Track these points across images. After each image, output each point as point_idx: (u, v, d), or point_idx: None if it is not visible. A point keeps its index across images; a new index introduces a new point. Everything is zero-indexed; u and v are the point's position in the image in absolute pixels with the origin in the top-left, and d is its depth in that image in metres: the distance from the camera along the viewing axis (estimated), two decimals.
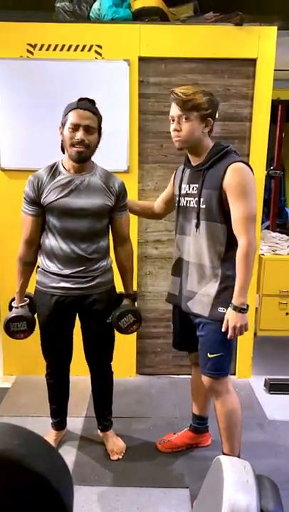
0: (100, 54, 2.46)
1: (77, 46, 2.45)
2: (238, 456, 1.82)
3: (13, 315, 1.90)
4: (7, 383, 2.75)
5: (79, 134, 1.73)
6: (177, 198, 1.85)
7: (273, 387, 2.67)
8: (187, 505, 1.82)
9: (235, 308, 1.64)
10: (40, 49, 2.45)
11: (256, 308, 2.86)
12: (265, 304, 3.09)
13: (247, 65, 2.51)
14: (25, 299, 1.98)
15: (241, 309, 1.65)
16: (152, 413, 2.45)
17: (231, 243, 1.70)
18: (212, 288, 1.72)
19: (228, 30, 2.45)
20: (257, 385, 2.75)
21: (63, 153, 1.83)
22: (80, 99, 1.76)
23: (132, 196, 2.54)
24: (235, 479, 0.75)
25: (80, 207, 1.79)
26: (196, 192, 1.73)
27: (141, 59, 2.47)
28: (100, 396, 2.13)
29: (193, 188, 1.76)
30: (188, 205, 1.78)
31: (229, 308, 1.66)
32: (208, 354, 1.74)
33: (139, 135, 2.56)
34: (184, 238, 1.81)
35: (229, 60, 2.50)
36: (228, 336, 1.67)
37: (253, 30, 2.44)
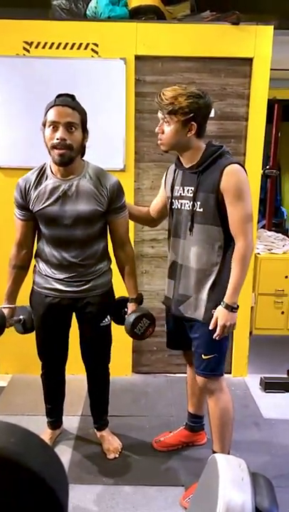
0: (96, 52, 2.45)
1: (74, 44, 2.44)
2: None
3: None
4: (3, 382, 2.74)
5: (59, 133, 1.62)
6: (170, 200, 1.82)
7: (269, 386, 2.68)
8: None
9: (227, 306, 1.64)
10: (37, 47, 2.44)
11: (252, 307, 2.87)
12: (261, 303, 3.10)
13: (243, 64, 2.51)
14: (11, 305, 1.89)
15: (233, 308, 1.65)
16: (148, 412, 2.45)
17: (227, 246, 1.70)
18: (205, 292, 1.72)
19: (225, 29, 2.45)
20: (252, 384, 2.76)
21: (50, 154, 1.71)
22: (58, 96, 1.66)
23: (128, 195, 2.53)
24: (231, 477, 0.75)
25: (67, 215, 1.71)
26: (191, 195, 1.71)
27: (137, 57, 2.47)
28: (96, 396, 2.12)
29: (188, 191, 1.73)
30: (182, 207, 1.76)
31: (220, 307, 1.66)
32: (203, 355, 1.75)
33: (135, 134, 2.55)
34: (178, 241, 1.79)
35: (226, 59, 2.50)
36: (216, 335, 1.66)
37: (249, 29, 2.44)
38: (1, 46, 2.44)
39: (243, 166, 1.69)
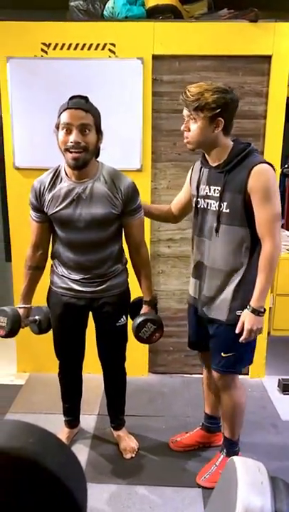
0: (113, 52, 2.46)
1: (91, 45, 2.45)
2: (238, 440, 1.94)
3: (0, 308, 1.84)
4: (21, 380, 2.77)
5: (73, 136, 1.59)
6: (195, 199, 1.79)
7: (287, 388, 2.64)
8: (200, 504, 1.81)
9: (253, 310, 1.63)
10: (55, 48, 2.46)
11: (270, 308, 2.84)
12: (279, 304, 3.05)
13: (262, 62, 2.48)
14: (27, 306, 1.91)
15: (259, 312, 1.63)
16: (165, 412, 2.44)
17: (253, 247, 1.67)
18: (230, 293, 1.70)
19: (243, 27, 2.42)
20: (270, 386, 2.72)
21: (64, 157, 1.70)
22: (72, 97, 1.63)
23: (145, 195, 2.54)
24: (250, 481, 0.74)
25: (81, 218, 1.70)
26: (217, 195, 1.67)
27: (154, 57, 2.46)
28: (113, 396, 2.13)
29: (214, 191, 1.69)
30: (208, 207, 1.72)
31: (246, 310, 1.64)
32: (223, 353, 1.76)
33: (152, 133, 2.55)
34: (204, 241, 1.76)
35: (244, 57, 2.48)
36: (242, 339, 1.65)
37: (267, 26, 2.41)
38: (19, 48, 2.47)
39: (272, 165, 1.64)
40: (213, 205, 1.69)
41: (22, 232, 2.64)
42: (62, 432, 2.16)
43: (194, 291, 1.86)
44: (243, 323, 1.64)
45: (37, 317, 1.93)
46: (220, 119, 1.60)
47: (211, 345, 1.82)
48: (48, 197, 1.74)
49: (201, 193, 1.76)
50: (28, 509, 0.48)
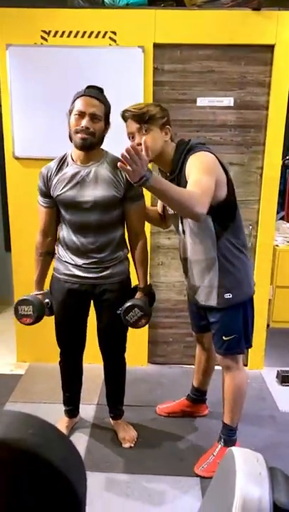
0: (114, 40, 2.43)
1: (92, 33, 2.42)
2: (236, 428, 1.98)
3: (22, 298, 1.91)
4: (20, 370, 2.79)
5: (84, 122, 1.70)
6: (165, 206, 1.94)
7: (286, 379, 2.66)
8: (197, 493, 1.83)
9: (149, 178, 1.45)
10: (55, 35, 2.43)
11: (269, 299, 2.84)
12: (279, 296, 3.06)
13: (264, 51, 2.45)
14: (43, 292, 1.98)
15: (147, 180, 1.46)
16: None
17: (220, 231, 1.76)
18: (214, 279, 1.80)
19: (246, 15, 2.39)
20: (269, 377, 2.74)
21: (72, 142, 1.79)
22: (88, 87, 1.74)
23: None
24: (248, 471, 0.74)
25: (85, 200, 1.77)
26: None
27: (156, 45, 2.43)
28: (112, 386, 2.14)
29: None
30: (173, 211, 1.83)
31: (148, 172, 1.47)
32: (224, 337, 1.85)
33: None
34: (179, 238, 1.91)
35: (246, 46, 2.44)
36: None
37: (271, 14, 2.37)
38: (18, 35, 2.43)
39: (210, 151, 1.69)
40: None
41: (21, 221, 2.63)
42: (61, 422, 2.17)
43: (187, 285, 1.99)
44: None
45: (47, 300, 1.97)
46: (167, 127, 1.75)
47: (212, 330, 1.91)
48: (54, 180, 1.81)
49: None
50: (28, 501, 0.48)
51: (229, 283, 1.79)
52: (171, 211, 1.87)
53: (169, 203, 1.57)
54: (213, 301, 1.82)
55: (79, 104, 1.71)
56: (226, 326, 1.83)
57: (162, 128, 1.73)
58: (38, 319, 1.91)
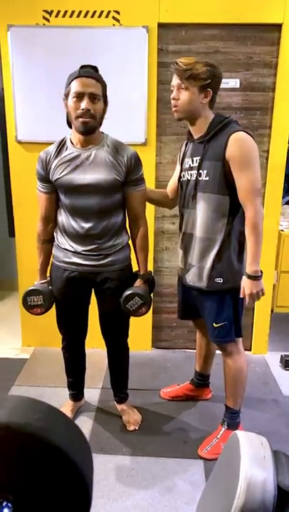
0: (118, 20, 2.37)
1: (95, 12, 2.36)
2: (239, 410, 2.00)
3: (30, 288, 1.90)
4: (25, 354, 2.81)
5: (84, 103, 1.64)
6: (180, 173, 1.86)
7: None
8: (201, 476, 1.85)
9: (249, 276, 1.68)
10: (57, 16, 2.38)
11: (274, 284, 2.83)
12: (283, 281, 3.05)
13: (272, 31, 2.39)
14: (46, 280, 1.97)
15: (255, 277, 1.68)
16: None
17: (233, 215, 1.73)
18: (210, 260, 1.77)
19: None
20: (273, 361, 2.75)
21: (70, 127, 1.77)
22: (82, 67, 1.68)
23: (150, 169, 2.50)
24: (252, 454, 0.75)
25: (85, 183, 1.73)
26: (197, 164, 1.73)
27: (160, 25, 2.38)
28: (116, 370, 2.15)
29: (196, 161, 1.75)
30: (190, 178, 1.78)
31: (244, 277, 1.70)
32: (214, 324, 1.83)
33: (157, 106, 2.49)
34: (186, 211, 1.84)
35: (253, 26, 2.38)
36: (247, 303, 1.73)
37: None
38: (20, 16, 2.38)
39: (251, 135, 1.68)
40: (194, 175, 1.76)
41: (25, 206, 2.62)
42: (66, 405, 2.20)
43: (181, 262, 1.93)
44: (244, 290, 1.70)
45: (50, 287, 1.96)
46: (209, 89, 1.68)
47: (204, 317, 1.91)
48: (53, 164, 1.77)
49: (185, 166, 1.82)
50: (35, 484, 0.48)
51: (223, 267, 1.76)
52: (185, 178, 1.82)
53: (259, 242, 1.68)
54: (202, 283, 1.80)
55: (76, 86, 1.64)
56: (217, 313, 1.81)
57: (202, 89, 1.67)
58: (48, 309, 1.91)
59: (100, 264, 1.84)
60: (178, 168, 1.95)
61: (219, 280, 1.76)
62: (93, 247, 1.82)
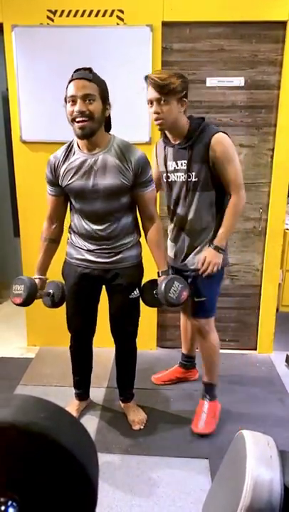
0: (122, 19, 2.37)
1: (99, 11, 2.36)
2: (216, 383, 2.17)
3: (18, 277, 1.90)
4: (31, 354, 2.82)
5: (77, 106, 1.64)
6: (165, 175, 2.00)
7: None
8: (207, 475, 1.85)
9: (215, 247, 1.90)
10: (61, 15, 2.38)
11: (279, 284, 2.82)
12: None
13: (276, 29, 2.37)
14: (42, 277, 1.96)
15: (220, 249, 1.91)
16: (172, 385, 2.47)
17: (219, 206, 1.94)
18: (204, 244, 1.97)
19: None
20: (278, 361, 2.73)
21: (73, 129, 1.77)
22: (76, 70, 1.68)
23: (153, 168, 2.49)
24: (259, 454, 0.74)
25: (93, 189, 1.75)
26: (184, 167, 1.89)
27: (164, 24, 2.37)
28: (123, 370, 2.16)
29: (181, 164, 1.91)
30: (178, 179, 1.95)
31: (209, 247, 1.92)
32: (195, 298, 2.00)
33: None
34: (179, 209, 2.00)
35: (257, 23, 2.37)
36: (202, 270, 1.91)
37: None
38: (24, 16, 2.39)
39: (227, 133, 1.86)
40: (182, 177, 1.92)
41: (30, 206, 2.62)
42: (72, 404, 2.20)
43: (173, 252, 2.10)
44: (205, 258, 1.90)
45: (51, 291, 1.97)
46: (185, 100, 1.83)
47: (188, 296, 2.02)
48: (62, 170, 1.79)
49: (170, 168, 1.97)
50: (41, 483, 0.48)
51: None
52: (172, 179, 1.98)
53: (234, 226, 1.95)
54: (190, 265, 1.99)
55: (70, 90, 1.65)
56: (199, 289, 1.99)
57: (180, 100, 1.81)
58: (27, 300, 1.85)
59: (111, 261, 1.87)
60: (155, 166, 2.08)
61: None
62: (104, 246, 1.85)
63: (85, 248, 1.87)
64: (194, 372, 2.52)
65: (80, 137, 1.69)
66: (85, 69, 1.67)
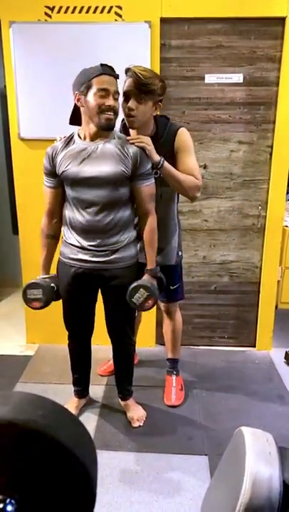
0: (120, 16, 2.36)
1: (97, 8, 2.35)
2: (178, 359, 2.42)
3: (31, 282, 1.90)
4: (30, 351, 2.82)
5: (110, 101, 1.68)
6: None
7: None
8: (206, 472, 1.85)
9: (157, 165, 1.82)
10: (59, 11, 2.37)
11: (278, 280, 2.82)
12: (288, 277, 3.03)
13: (275, 25, 2.36)
14: (50, 275, 1.98)
15: (157, 164, 1.82)
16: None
17: (176, 198, 2.05)
18: (175, 240, 2.08)
19: None
20: (277, 358, 2.74)
21: (73, 124, 1.79)
22: (103, 65, 1.70)
23: None
24: (258, 451, 0.74)
25: (92, 176, 1.73)
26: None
27: (163, 20, 2.36)
28: (121, 368, 2.15)
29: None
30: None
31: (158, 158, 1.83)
32: (171, 287, 2.13)
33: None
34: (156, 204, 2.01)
35: (256, 20, 2.36)
36: (130, 138, 1.83)
37: None
38: (22, 12, 2.37)
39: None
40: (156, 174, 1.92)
41: (28, 203, 2.62)
42: (71, 402, 2.20)
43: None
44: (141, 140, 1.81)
45: (52, 284, 1.95)
46: (160, 103, 1.86)
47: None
48: (60, 157, 1.79)
49: None
50: (40, 481, 0.48)
51: (180, 244, 2.14)
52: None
53: (176, 185, 1.89)
54: (172, 261, 2.10)
55: (101, 82, 1.67)
56: (173, 278, 2.13)
57: (155, 103, 1.83)
58: (47, 303, 1.90)
59: (105, 261, 1.84)
60: None
61: (180, 253, 2.15)
62: (99, 241, 1.81)
63: (79, 245, 1.83)
64: (135, 357, 2.55)
65: (104, 128, 1.74)
66: (109, 66, 1.72)
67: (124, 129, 1.96)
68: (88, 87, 1.68)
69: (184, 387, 2.39)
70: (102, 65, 1.69)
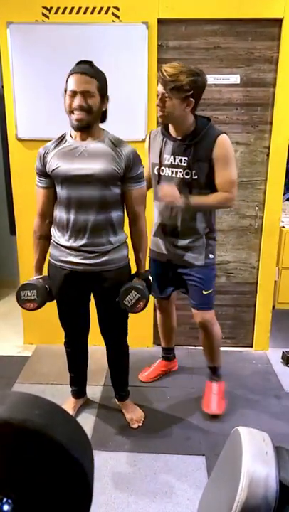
0: (117, 16, 2.36)
1: (94, 8, 2.35)
2: (220, 366, 2.29)
3: (24, 283, 1.88)
4: (27, 352, 2.81)
5: (76, 101, 1.66)
6: (158, 167, 1.99)
7: None
8: (203, 472, 1.86)
9: (187, 202, 1.88)
10: (56, 12, 2.37)
11: (275, 281, 2.83)
12: (285, 278, 3.04)
13: (272, 26, 2.37)
14: (42, 276, 1.96)
15: (187, 204, 1.89)
16: (169, 383, 2.48)
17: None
18: (202, 242, 2.04)
19: None
20: (274, 358, 2.75)
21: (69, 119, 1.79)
22: (78, 63, 1.69)
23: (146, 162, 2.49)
24: (254, 450, 0.74)
25: (83, 173, 1.71)
26: (184, 164, 1.90)
27: (160, 21, 2.36)
28: (116, 369, 2.15)
29: (180, 161, 1.92)
30: (173, 175, 1.95)
31: (184, 197, 1.89)
32: (204, 291, 2.07)
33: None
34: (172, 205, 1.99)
35: (253, 21, 2.37)
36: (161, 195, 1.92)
37: None
38: (19, 12, 2.37)
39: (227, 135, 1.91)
40: (180, 173, 1.93)
41: (25, 204, 2.62)
42: (68, 402, 2.20)
43: (160, 248, 2.11)
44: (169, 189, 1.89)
45: (46, 285, 1.94)
46: (191, 99, 1.80)
47: (191, 288, 2.09)
48: (50, 155, 1.77)
49: (166, 162, 1.96)
50: (36, 480, 0.48)
51: (212, 246, 2.07)
52: (166, 173, 1.97)
53: (210, 209, 2.01)
54: (200, 261, 2.04)
55: (71, 83, 1.67)
56: (206, 282, 2.07)
57: (184, 99, 1.79)
58: (41, 304, 1.88)
59: (95, 263, 1.82)
60: (148, 158, 2.06)
61: (212, 256, 2.07)
62: (87, 241, 1.79)
63: (68, 245, 1.80)
64: (175, 363, 2.60)
65: (76, 128, 1.72)
66: (86, 62, 1.69)
67: (165, 125, 1.98)
68: (65, 89, 1.70)
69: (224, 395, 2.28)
70: (77, 63, 1.69)
